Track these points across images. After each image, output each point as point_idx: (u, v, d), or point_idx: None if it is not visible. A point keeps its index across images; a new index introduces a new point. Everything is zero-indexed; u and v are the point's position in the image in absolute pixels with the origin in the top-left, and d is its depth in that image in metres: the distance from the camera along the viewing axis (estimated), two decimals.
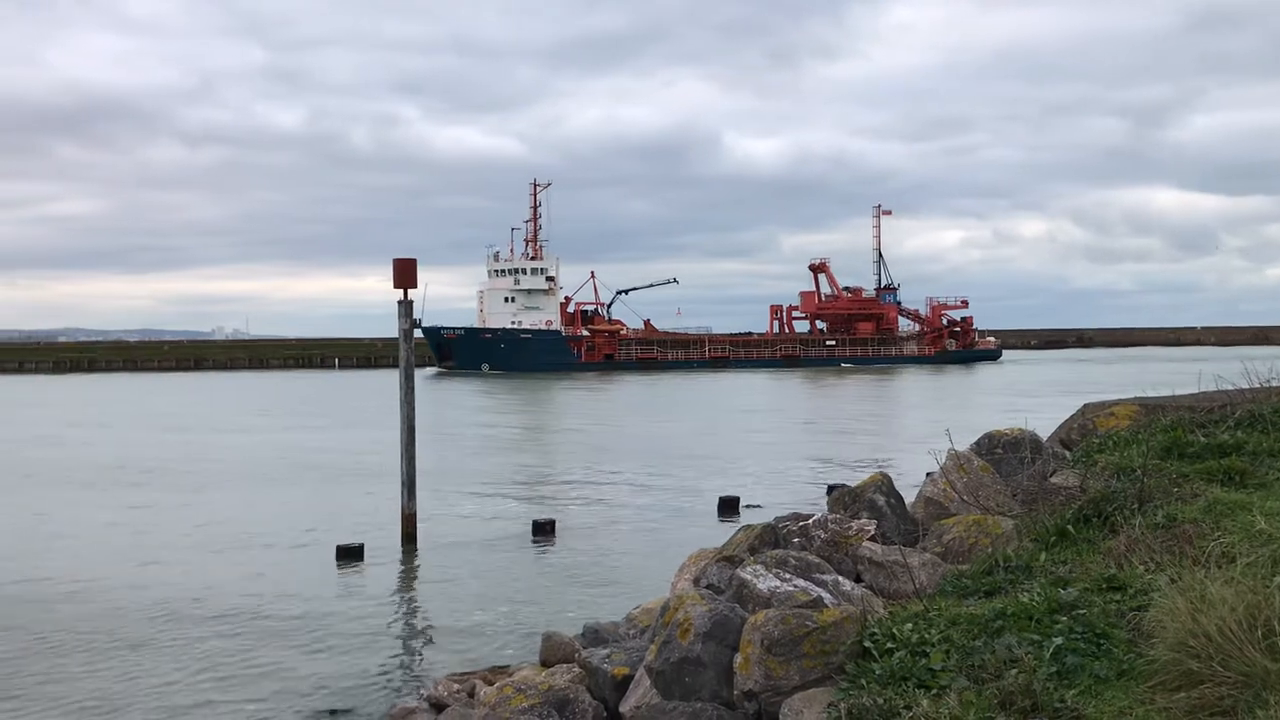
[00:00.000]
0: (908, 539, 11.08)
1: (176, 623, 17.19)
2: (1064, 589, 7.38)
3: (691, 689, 7.99)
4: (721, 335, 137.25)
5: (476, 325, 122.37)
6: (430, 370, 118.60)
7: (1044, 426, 16.44)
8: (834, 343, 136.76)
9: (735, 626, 8.03)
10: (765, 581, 8.55)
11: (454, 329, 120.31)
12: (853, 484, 13.18)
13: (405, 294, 24.39)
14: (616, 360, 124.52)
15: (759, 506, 26.55)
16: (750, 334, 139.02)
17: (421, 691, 12.75)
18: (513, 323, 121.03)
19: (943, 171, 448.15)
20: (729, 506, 26.78)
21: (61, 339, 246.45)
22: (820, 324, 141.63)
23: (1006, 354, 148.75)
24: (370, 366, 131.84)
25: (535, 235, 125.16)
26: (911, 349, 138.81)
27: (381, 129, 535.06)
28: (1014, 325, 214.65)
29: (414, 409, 24.11)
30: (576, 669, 10.06)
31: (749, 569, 8.92)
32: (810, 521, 10.70)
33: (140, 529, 25.44)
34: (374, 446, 42.59)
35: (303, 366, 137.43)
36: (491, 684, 11.32)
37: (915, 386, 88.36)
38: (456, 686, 11.97)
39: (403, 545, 22.96)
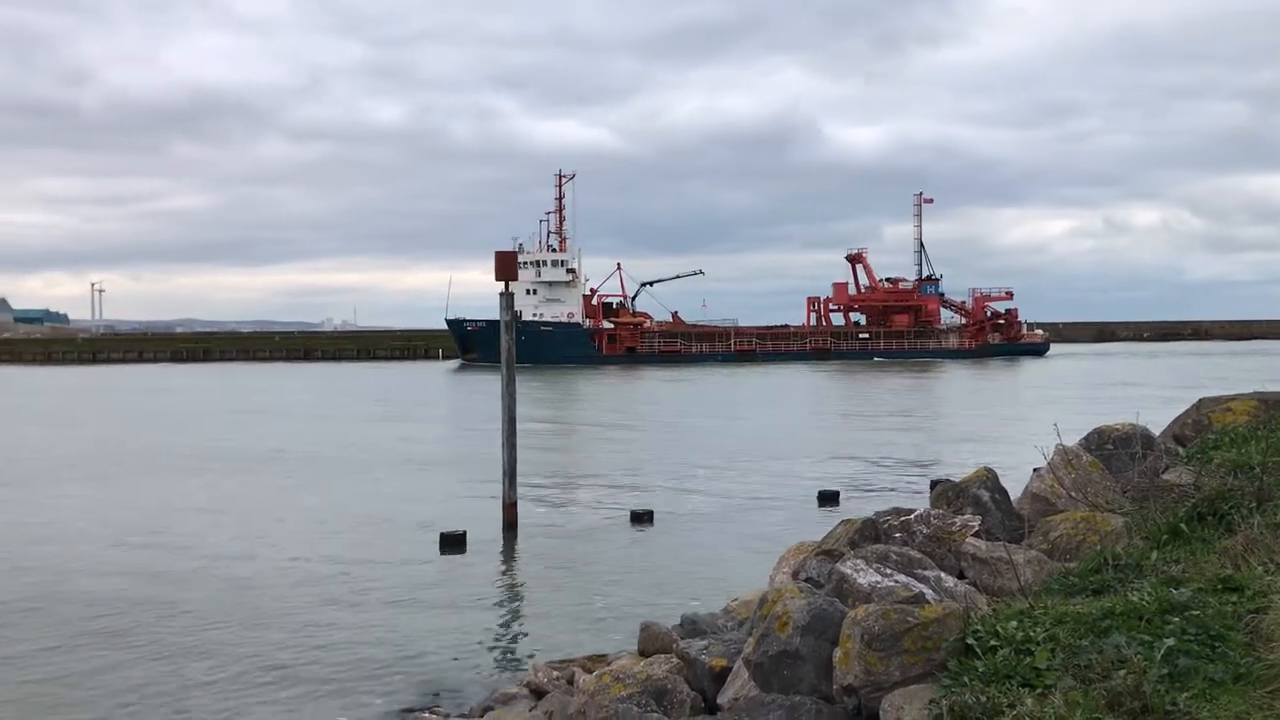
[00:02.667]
0: (1013, 535, 10.86)
1: (285, 603, 17.75)
2: (1176, 589, 7.16)
3: (790, 682, 7.96)
4: (749, 328, 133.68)
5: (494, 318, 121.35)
6: (454, 362, 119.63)
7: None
8: (867, 335, 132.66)
9: (834, 621, 7.97)
10: (866, 576, 8.47)
11: (476, 321, 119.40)
12: (955, 478, 12.97)
13: (506, 286, 24.72)
14: (639, 353, 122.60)
15: (858, 497, 26.30)
16: (786, 326, 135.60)
17: (522, 677, 12.94)
18: (534, 315, 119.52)
19: (1052, 159, 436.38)
20: (828, 500, 26.56)
21: (179, 330, 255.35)
22: (858, 316, 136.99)
23: (1082, 348, 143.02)
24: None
25: (560, 227, 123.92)
26: (952, 342, 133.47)
27: (482, 123, 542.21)
28: (1125, 317, 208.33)
29: (515, 399, 24.40)
30: (674, 659, 10.09)
31: (849, 563, 8.85)
32: (912, 516, 10.55)
33: (253, 513, 26.26)
34: (469, 436, 43.37)
35: (408, 357, 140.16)
36: (590, 672, 11.43)
37: (930, 383, 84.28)
38: (556, 673, 12.12)
39: (504, 533, 23.30)
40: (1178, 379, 74.30)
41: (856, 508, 23.99)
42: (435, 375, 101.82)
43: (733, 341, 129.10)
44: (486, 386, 79.11)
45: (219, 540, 23.08)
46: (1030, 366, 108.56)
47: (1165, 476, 11.38)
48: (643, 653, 11.64)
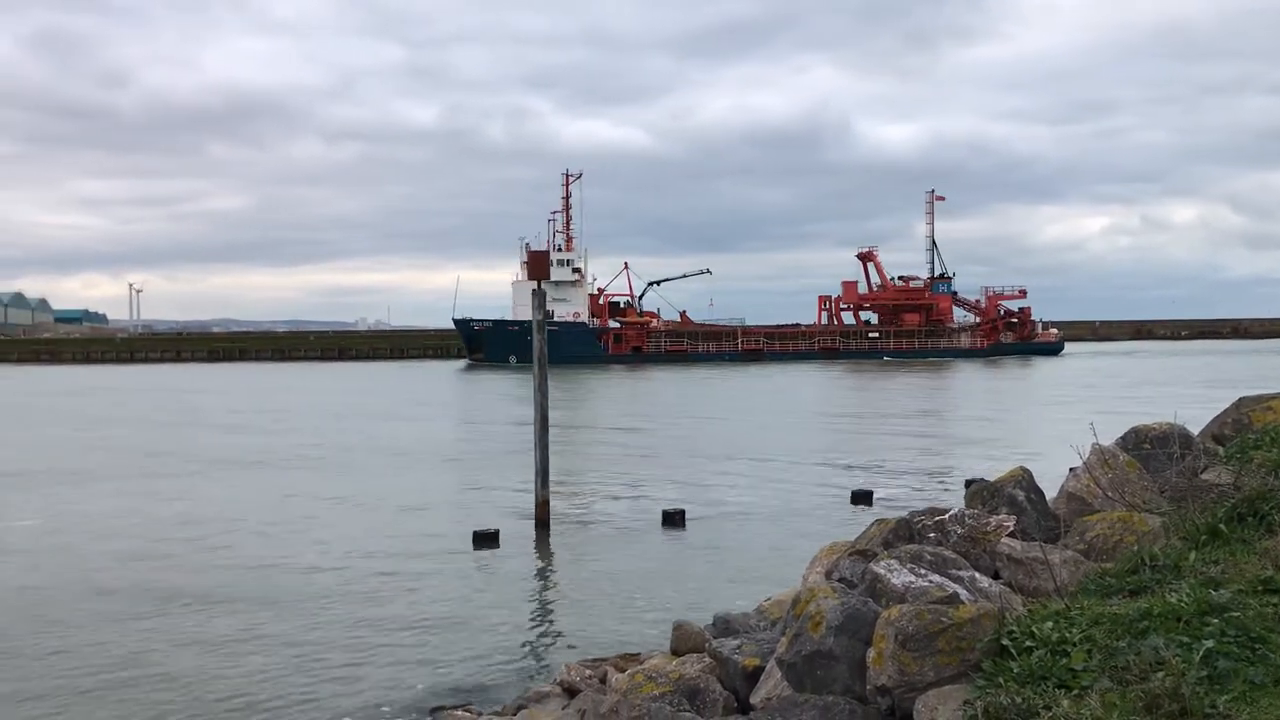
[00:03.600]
0: (1048, 535, 10.76)
1: (317, 600, 17.87)
2: (1216, 590, 7.08)
3: (823, 682, 7.94)
4: (756, 327, 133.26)
5: (508, 318, 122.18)
6: (461, 362, 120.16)
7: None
8: (877, 335, 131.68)
9: (868, 621, 7.94)
10: (899, 576, 8.43)
11: (483, 321, 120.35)
12: (989, 478, 12.86)
13: (539, 285, 24.77)
14: (645, 353, 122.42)
15: (891, 497, 26.19)
16: (798, 325, 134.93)
17: (554, 676, 12.97)
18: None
19: (1088, 156, 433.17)
20: (861, 500, 26.44)
21: (215, 329, 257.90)
22: (868, 315, 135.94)
23: (1102, 346, 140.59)
24: None
25: (567, 226, 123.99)
26: (963, 341, 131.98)
27: (514, 123, 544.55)
28: (1163, 315, 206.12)
29: (547, 398, 24.46)
30: (707, 659, 10.09)
31: (883, 563, 8.81)
32: (947, 516, 10.48)
33: (284, 511, 26.48)
34: (491, 435, 43.51)
35: (441, 356, 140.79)
36: (623, 671, 11.45)
37: (943, 382, 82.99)
38: (589, 672, 12.14)
39: (536, 532, 23.37)
40: (1204, 377, 73.45)
41: (890, 508, 23.91)
42: (445, 375, 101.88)
43: (740, 341, 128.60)
44: (497, 386, 79.57)
45: (253, 537, 23.30)
46: (1044, 366, 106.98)
47: (1204, 476, 11.24)
48: (675, 652, 11.65)
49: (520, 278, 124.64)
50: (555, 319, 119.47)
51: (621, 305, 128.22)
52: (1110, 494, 11.17)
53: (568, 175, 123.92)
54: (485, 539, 22.29)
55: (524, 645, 15.65)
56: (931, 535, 10.22)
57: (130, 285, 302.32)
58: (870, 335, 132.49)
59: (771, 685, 8.59)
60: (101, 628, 16.47)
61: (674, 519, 24.44)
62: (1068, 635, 6.76)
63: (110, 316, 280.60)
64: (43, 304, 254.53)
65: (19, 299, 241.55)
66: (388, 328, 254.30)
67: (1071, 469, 12.50)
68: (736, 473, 32.62)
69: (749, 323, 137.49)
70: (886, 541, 10.52)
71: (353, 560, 21.03)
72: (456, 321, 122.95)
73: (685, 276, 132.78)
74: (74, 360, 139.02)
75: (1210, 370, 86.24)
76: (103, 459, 37.73)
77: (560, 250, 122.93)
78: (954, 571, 8.82)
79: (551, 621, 17.13)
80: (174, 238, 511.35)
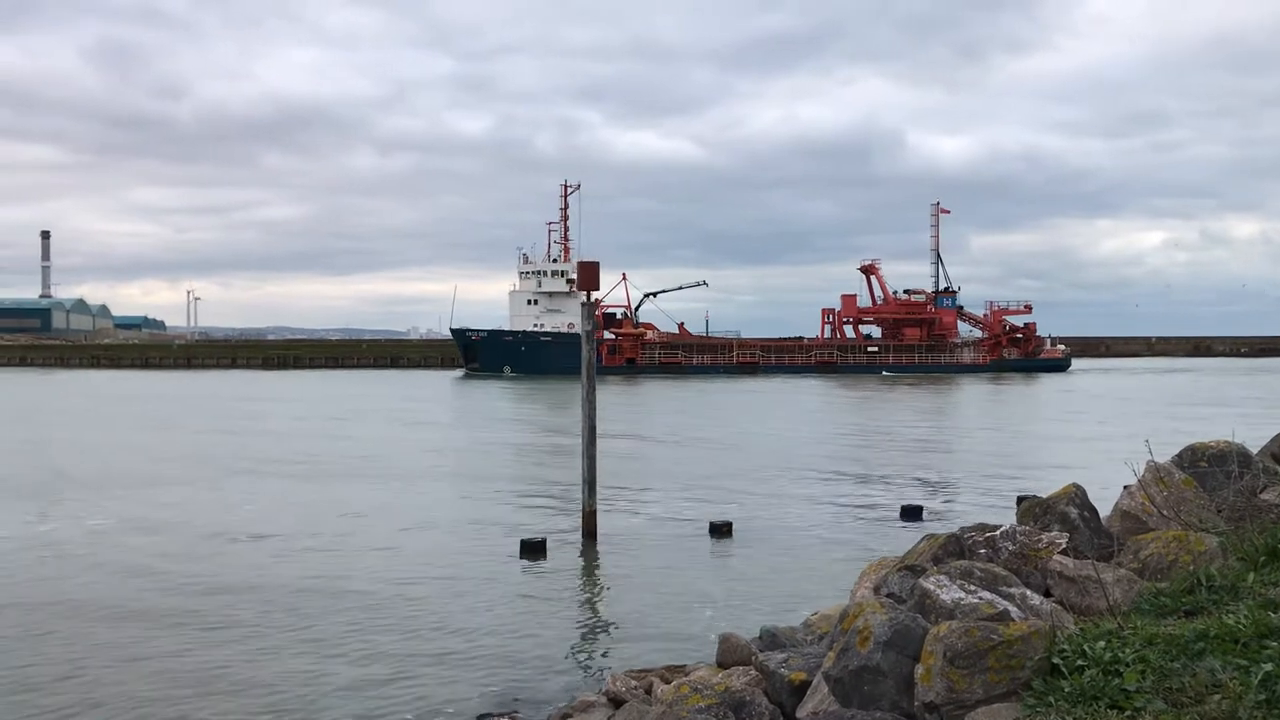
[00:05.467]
0: (1101, 554, 10.60)
1: (365, 606, 18.02)
2: (1275, 612, 6.94)
3: (870, 698, 7.88)
4: (752, 339, 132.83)
5: (505, 328, 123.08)
6: (457, 372, 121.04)
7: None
8: (876, 349, 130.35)
9: (916, 636, 7.87)
10: (949, 592, 8.34)
11: (479, 331, 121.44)
12: (1041, 494, 12.70)
13: (588, 296, 24.86)
14: (639, 364, 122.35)
15: (941, 512, 25.93)
16: (801, 338, 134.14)
17: (600, 685, 12.98)
18: (535, 325, 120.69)
19: (1144, 169, 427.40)
20: (911, 515, 26.23)
21: (270, 337, 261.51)
22: (871, 329, 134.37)
23: (1166, 362, 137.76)
24: None
25: (565, 237, 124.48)
26: (966, 356, 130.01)
27: (564, 135, 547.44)
28: (1222, 332, 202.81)
29: (595, 408, 24.50)
30: (753, 672, 10.04)
31: (932, 579, 8.73)
32: (997, 533, 10.37)
33: (332, 519, 26.75)
34: (540, 444, 43.64)
35: None
36: (669, 682, 11.44)
37: (946, 399, 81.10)
38: (634, 683, 12.13)
39: (583, 541, 23.41)
40: (1258, 395, 71.95)
41: (940, 523, 23.69)
42: (440, 384, 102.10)
43: (735, 354, 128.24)
44: (494, 396, 79.65)
45: (300, 544, 23.57)
46: (1048, 383, 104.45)
47: (1263, 496, 11.03)
48: (721, 664, 11.61)
49: (517, 287, 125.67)
50: (547, 329, 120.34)
51: (618, 316, 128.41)
52: (1165, 512, 10.98)
53: (565, 186, 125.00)
54: (533, 548, 22.36)
55: (570, 654, 15.68)
56: (982, 552, 10.12)
57: (188, 293, 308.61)
58: (869, 349, 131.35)
59: (818, 700, 8.54)
60: (156, 632, 16.74)
61: (721, 530, 24.38)
62: (1121, 655, 6.66)
63: (169, 323, 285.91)
64: (103, 310, 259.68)
65: (81, 305, 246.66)
66: (439, 337, 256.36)
67: (1126, 486, 12.31)
68: (777, 486, 32.46)
69: (754, 335, 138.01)
70: (936, 557, 10.42)
71: (400, 568, 21.20)
72: (454, 331, 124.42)
73: (681, 288, 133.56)
74: (133, 366, 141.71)
75: (1266, 388, 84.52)
76: (161, 464, 38.38)
77: (556, 261, 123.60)
78: (1005, 588, 8.72)
79: (598, 631, 17.15)
80: (230, 246, 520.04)
